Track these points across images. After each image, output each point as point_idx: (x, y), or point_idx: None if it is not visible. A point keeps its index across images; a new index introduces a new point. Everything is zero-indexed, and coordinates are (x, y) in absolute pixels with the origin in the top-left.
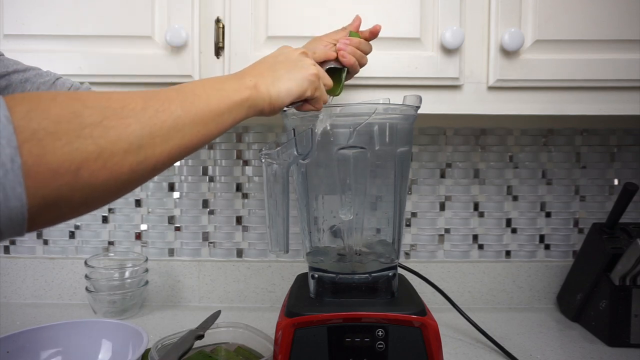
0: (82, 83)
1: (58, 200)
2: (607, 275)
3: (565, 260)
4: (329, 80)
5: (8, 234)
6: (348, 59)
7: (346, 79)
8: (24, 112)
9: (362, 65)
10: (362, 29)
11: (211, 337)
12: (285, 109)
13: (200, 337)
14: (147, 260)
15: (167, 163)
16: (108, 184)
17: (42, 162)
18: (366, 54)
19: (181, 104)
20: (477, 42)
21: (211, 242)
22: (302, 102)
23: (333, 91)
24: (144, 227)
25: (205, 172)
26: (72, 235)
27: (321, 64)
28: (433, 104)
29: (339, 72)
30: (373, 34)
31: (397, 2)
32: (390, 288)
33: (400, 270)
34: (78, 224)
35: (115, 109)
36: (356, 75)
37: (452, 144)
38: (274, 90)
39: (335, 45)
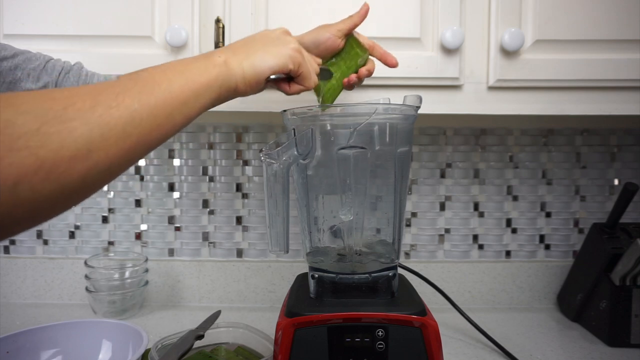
0: (76, 63)
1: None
2: (607, 275)
3: (566, 260)
4: (316, 61)
5: None
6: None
7: (334, 92)
8: None
9: (369, 71)
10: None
11: (211, 337)
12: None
13: (200, 337)
14: (147, 260)
15: (126, 164)
16: (54, 195)
17: None
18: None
19: (138, 95)
20: (477, 42)
21: (211, 242)
22: (288, 81)
23: (317, 90)
24: (144, 227)
25: (205, 172)
26: (72, 235)
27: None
28: (433, 104)
29: (328, 75)
30: (362, 17)
31: (397, 2)
32: (390, 288)
33: (400, 270)
34: (78, 224)
35: (56, 112)
36: None
37: (452, 144)
38: (248, 63)
39: (340, 34)
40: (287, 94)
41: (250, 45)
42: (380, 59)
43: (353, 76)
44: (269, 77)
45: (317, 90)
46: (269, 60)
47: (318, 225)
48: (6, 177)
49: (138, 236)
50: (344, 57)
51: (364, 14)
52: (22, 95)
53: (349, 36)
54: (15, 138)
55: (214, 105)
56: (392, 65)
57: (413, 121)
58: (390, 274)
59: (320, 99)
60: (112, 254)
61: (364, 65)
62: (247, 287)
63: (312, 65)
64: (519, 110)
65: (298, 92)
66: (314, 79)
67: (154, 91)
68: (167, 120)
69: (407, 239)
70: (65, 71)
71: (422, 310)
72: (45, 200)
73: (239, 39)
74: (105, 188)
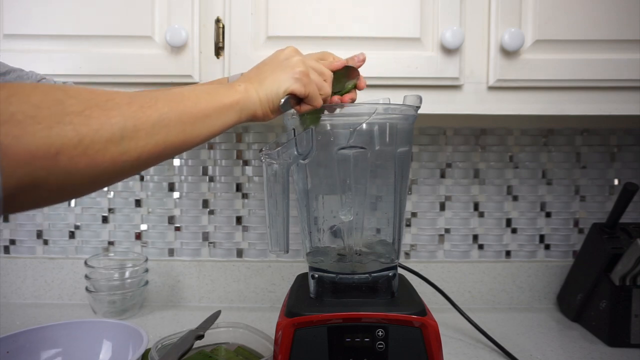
0: (65, 83)
1: (35, 184)
2: (607, 275)
3: (565, 260)
4: (327, 74)
5: None
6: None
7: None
8: (4, 97)
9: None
10: (361, 30)
11: (211, 337)
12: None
13: (200, 337)
14: (147, 260)
15: (151, 159)
16: (88, 172)
17: (20, 143)
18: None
19: (168, 102)
20: (477, 42)
21: (211, 242)
22: (298, 102)
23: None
24: (144, 227)
25: (205, 172)
26: (72, 235)
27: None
28: (433, 104)
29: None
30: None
31: (397, 2)
32: (390, 288)
33: (400, 270)
34: (78, 224)
35: (98, 101)
36: None
37: (452, 144)
38: (262, 92)
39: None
40: (299, 113)
41: (262, 71)
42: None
43: (334, 98)
44: (280, 101)
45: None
46: (279, 88)
47: (318, 225)
48: (51, 145)
49: (138, 236)
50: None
51: (361, 60)
52: (71, 86)
53: (344, 67)
54: (63, 114)
55: (235, 124)
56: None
57: (413, 121)
58: (390, 274)
59: (302, 122)
60: (112, 254)
61: (348, 92)
62: (247, 287)
63: (320, 84)
64: (519, 110)
65: (308, 111)
66: (325, 93)
67: (183, 102)
68: (191, 127)
69: (407, 239)
70: None
71: (422, 310)
72: (79, 174)
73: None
74: (105, 188)
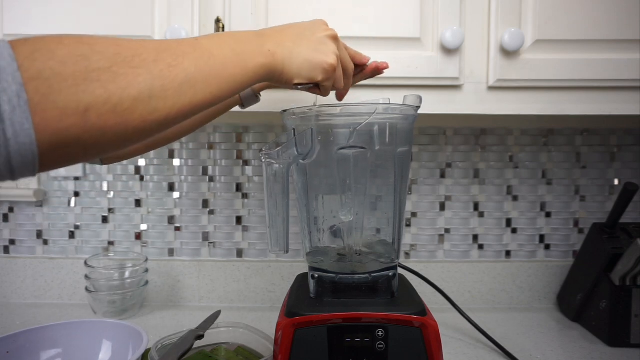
0: None
1: (67, 140)
2: (607, 275)
3: (565, 260)
4: (350, 70)
5: (20, 172)
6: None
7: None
8: (28, 52)
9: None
10: (361, 30)
11: (211, 337)
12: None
13: (200, 337)
14: (147, 260)
15: (179, 117)
16: (118, 129)
17: (49, 100)
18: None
19: (195, 61)
20: (477, 42)
21: (211, 242)
22: (312, 85)
23: None
24: (144, 227)
25: (205, 172)
26: (72, 235)
27: None
28: (433, 104)
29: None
30: (378, 70)
31: (397, 2)
32: (390, 288)
33: (400, 270)
34: (78, 224)
35: (125, 57)
36: None
37: (452, 144)
38: (288, 64)
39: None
40: (307, 91)
41: (298, 43)
42: (374, 71)
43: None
44: (298, 84)
45: None
46: (303, 71)
47: (318, 225)
48: (79, 101)
49: (138, 236)
50: None
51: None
52: (96, 38)
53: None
54: (90, 71)
55: (255, 83)
56: (384, 67)
57: (413, 121)
58: (390, 274)
59: None
60: (112, 254)
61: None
62: (247, 287)
63: (339, 79)
64: (519, 110)
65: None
66: (339, 85)
67: (210, 61)
68: (217, 88)
69: (407, 239)
70: None
71: (422, 310)
72: (110, 131)
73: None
74: (105, 188)
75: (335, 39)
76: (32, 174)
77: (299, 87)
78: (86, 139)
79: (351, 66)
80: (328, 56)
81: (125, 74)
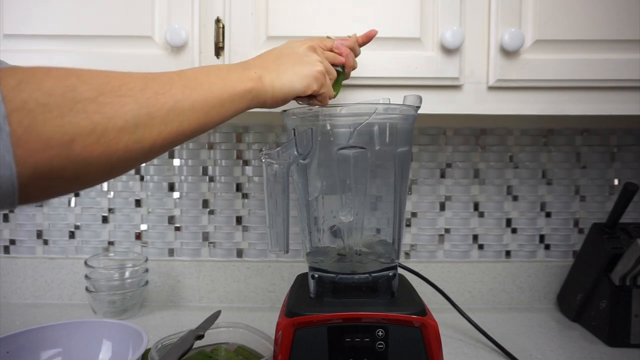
0: None
1: (50, 173)
2: (607, 275)
3: (565, 260)
4: (334, 75)
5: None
6: (349, 60)
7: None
8: (14, 83)
9: (353, 69)
10: (361, 30)
11: (211, 337)
12: (296, 103)
13: (200, 337)
14: (147, 260)
15: (165, 146)
16: (102, 160)
17: (33, 132)
18: (356, 56)
19: (182, 88)
20: (477, 42)
21: (211, 242)
22: (308, 98)
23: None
24: (144, 227)
25: (205, 172)
26: (72, 235)
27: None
28: (433, 104)
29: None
30: (368, 38)
31: (397, 2)
32: (390, 288)
33: (400, 270)
34: (78, 224)
35: (112, 87)
36: (356, 75)
37: (452, 144)
38: (278, 83)
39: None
40: (303, 103)
41: (281, 62)
42: (364, 38)
43: None
44: (297, 99)
45: None
46: (297, 83)
47: (318, 225)
48: (64, 133)
49: (138, 236)
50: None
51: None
52: (85, 70)
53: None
54: (76, 101)
55: (244, 110)
56: (373, 34)
57: (413, 121)
58: (390, 274)
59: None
60: (112, 254)
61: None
62: (247, 287)
63: (332, 79)
64: (519, 110)
65: (312, 106)
66: (330, 95)
67: (197, 88)
68: (204, 115)
69: (407, 239)
70: None
71: (422, 310)
72: (94, 162)
73: (239, 39)
74: (105, 188)
75: (314, 50)
76: (12, 206)
77: (299, 102)
78: (70, 170)
79: (334, 71)
80: (315, 65)
81: (111, 103)
